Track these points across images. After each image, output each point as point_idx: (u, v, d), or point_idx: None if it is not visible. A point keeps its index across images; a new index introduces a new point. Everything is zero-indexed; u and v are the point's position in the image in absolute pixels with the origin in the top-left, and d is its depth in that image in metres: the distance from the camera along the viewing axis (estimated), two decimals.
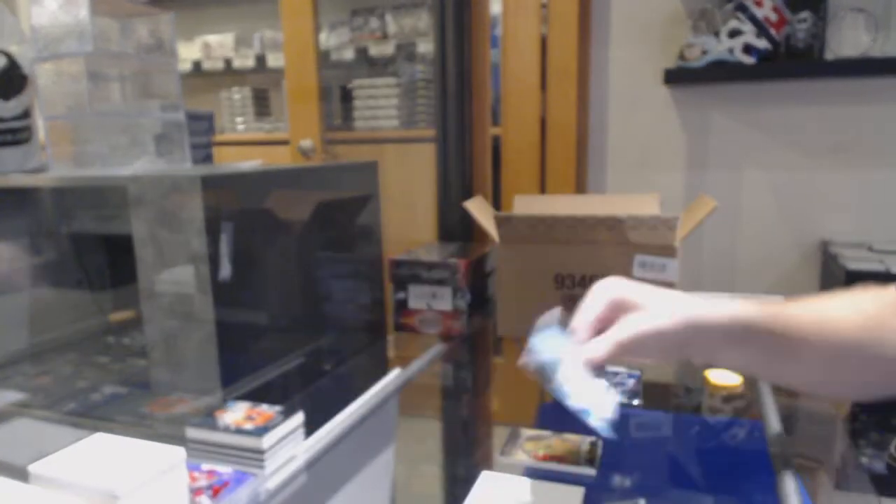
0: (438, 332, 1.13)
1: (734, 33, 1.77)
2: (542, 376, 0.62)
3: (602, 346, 0.60)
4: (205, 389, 0.78)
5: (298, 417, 0.67)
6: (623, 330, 0.60)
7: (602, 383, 0.61)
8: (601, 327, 0.63)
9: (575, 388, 0.59)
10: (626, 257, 0.96)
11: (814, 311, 0.62)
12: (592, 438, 0.77)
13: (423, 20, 2.56)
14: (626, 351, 0.60)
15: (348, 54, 2.60)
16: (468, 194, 1.45)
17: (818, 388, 0.68)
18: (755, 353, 0.62)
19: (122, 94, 0.98)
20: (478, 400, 1.09)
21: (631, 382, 0.93)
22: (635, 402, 0.86)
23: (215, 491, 0.58)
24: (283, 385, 0.90)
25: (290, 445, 0.66)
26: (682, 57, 1.85)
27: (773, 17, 1.73)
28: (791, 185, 1.92)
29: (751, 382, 0.92)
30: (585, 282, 0.99)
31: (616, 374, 0.96)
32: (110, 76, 0.95)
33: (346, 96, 2.61)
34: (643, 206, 1.08)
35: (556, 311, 0.67)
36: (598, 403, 0.58)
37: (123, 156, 0.93)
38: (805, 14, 1.78)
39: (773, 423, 0.78)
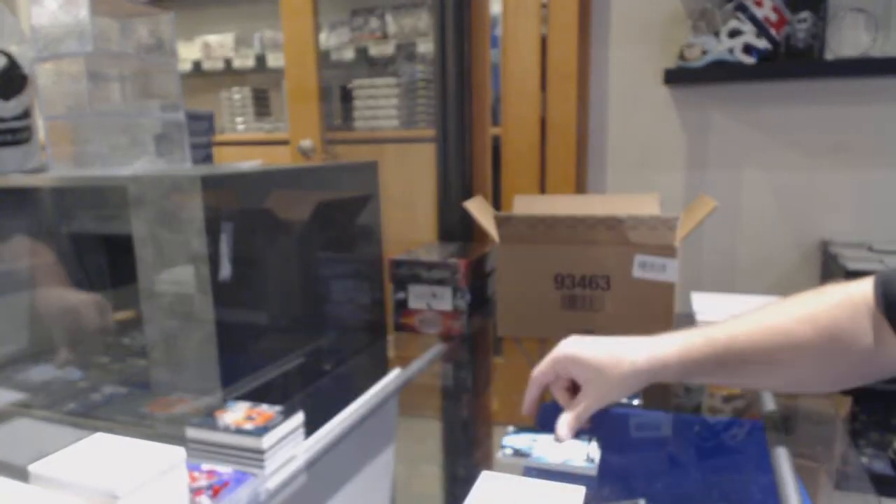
0: (438, 332, 1.13)
1: (734, 33, 1.77)
2: (521, 458, 0.73)
3: (565, 425, 0.71)
4: (205, 389, 0.78)
5: (298, 417, 0.67)
6: (582, 407, 0.71)
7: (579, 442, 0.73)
8: (567, 385, 0.75)
9: (550, 451, 0.72)
10: (625, 257, 0.96)
11: (764, 327, 0.67)
12: (592, 438, 0.77)
13: (423, 20, 2.56)
14: (588, 416, 0.72)
15: (348, 54, 2.60)
16: (468, 194, 1.45)
17: (787, 390, 0.76)
18: (712, 376, 0.70)
19: (122, 94, 0.98)
20: (478, 400, 1.09)
21: None
22: (635, 402, 0.86)
23: (215, 491, 0.58)
24: (283, 385, 0.90)
25: (290, 445, 0.66)
26: (682, 57, 1.85)
27: (773, 17, 1.73)
28: (791, 185, 1.92)
29: None
30: (585, 282, 0.99)
31: None
32: (110, 76, 0.95)
33: (346, 96, 2.61)
34: (643, 206, 1.08)
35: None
36: (573, 455, 0.70)
37: (123, 156, 0.93)
38: (805, 14, 1.78)
39: (773, 423, 0.78)
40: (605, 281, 0.98)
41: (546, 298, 1.00)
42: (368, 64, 2.65)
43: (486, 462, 0.82)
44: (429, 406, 1.03)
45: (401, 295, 1.14)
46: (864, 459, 1.60)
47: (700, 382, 0.74)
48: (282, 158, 2.51)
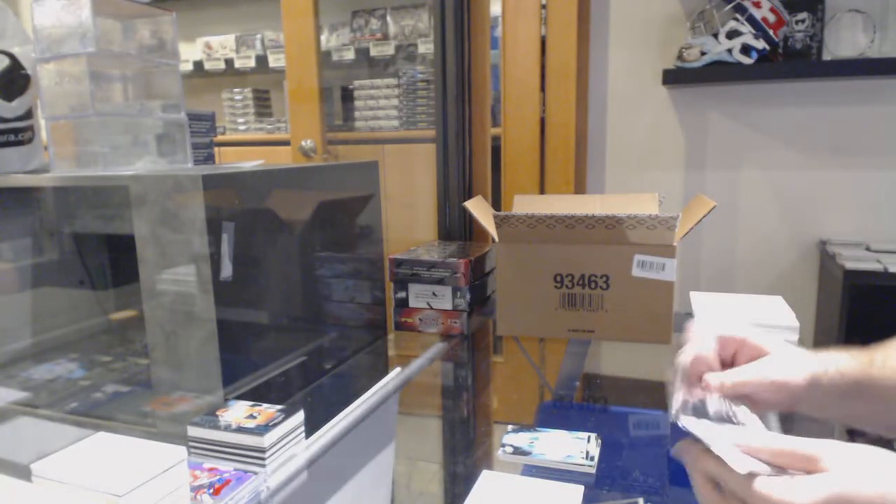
0: (438, 331, 1.14)
1: (732, 34, 1.77)
2: (520, 456, 0.75)
3: (728, 378, 0.59)
4: (206, 388, 0.79)
5: (299, 416, 0.67)
6: (749, 372, 0.59)
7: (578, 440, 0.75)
8: (713, 366, 0.62)
9: (549, 449, 0.74)
10: (625, 257, 0.96)
11: None
12: (592, 436, 0.78)
13: (423, 21, 2.57)
14: (746, 391, 0.59)
15: (349, 55, 2.61)
16: (468, 194, 1.46)
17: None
18: (860, 408, 0.61)
19: (123, 94, 0.98)
20: (477, 399, 1.09)
21: None
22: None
23: (217, 489, 0.59)
24: (284, 384, 0.90)
25: (291, 444, 0.66)
26: (680, 58, 1.85)
27: (772, 17, 1.73)
28: (789, 185, 1.93)
29: None
30: (584, 281, 0.99)
31: None
32: (112, 76, 0.96)
33: (347, 97, 2.62)
34: (642, 205, 1.08)
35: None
36: (573, 453, 0.74)
37: (125, 156, 0.94)
38: (803, 15, 1.78)
39: (772, 422, 0.79)
40: (604, 280, 0.98)
41: (545, 297, 1.01)
42: (369, 64, 2.66)
43: (486, 460, 0.83)
44: (429, 404, 1.03)
45: (401, 294, 1.15)
46: None
47: (841, 417, 0.64)
48: (283, 158, 2.52)
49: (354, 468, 0.73)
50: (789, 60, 1.82)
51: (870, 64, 1.72)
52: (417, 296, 1.13)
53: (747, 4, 1.74)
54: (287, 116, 2.49)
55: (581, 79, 1.99)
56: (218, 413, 0.66)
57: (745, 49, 1.76)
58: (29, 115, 0.99)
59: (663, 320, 0.97)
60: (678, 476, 0.78)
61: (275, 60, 2.83)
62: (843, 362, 0.61)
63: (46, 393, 0.90)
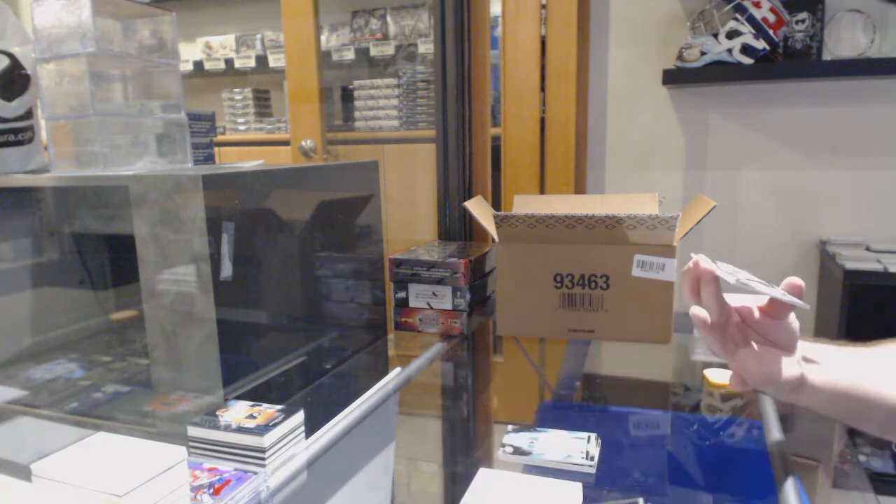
0: (438, 331, 1.14)
1: (732, 34, 1.77)
2: (521, 456, 0.75)
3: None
4: (206, 388, 0.79)
5: (299, 416, 0.67)
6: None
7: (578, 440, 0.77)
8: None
9: (550, 450, 0.75)
10: (625, 256, 0.96)
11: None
12: (592, 436, 0.78)
13: (423, 21, 2.57)
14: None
15: (349, 55, 2.61)
16: (468, 194, 1.46)
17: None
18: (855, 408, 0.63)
19: (123, 94, 0.98)
20: (477, 398, 1.09)
21: None
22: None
23: (217, 489, 0.59)
24: (284, 384, 0.90)
25: (291, 444, 0.66)
26: (680, 58, 1.85)
27: (772, 18, 1.73)
28: (789, 185, 1.93)
29: None
30: (584, 281, 0.99)
31: None
32: (112, 76, 0.96)
33: (347, 97, 2.62)
34: (642, 205, 1.08)
35: None
36: (573, 453, 0.74)
37: (125, 156, 0.94)
38: (803, 15, 1.78)
39: (772, 422, 0.79)
40: (604, 280, 0.98)
41: (545, 297, 1.01)
42: (369, 64, 2.66)
43: (486, 460, 0.83)
44: (429, 404, 1.03)
45: (401, 294, 1.15)
46: (862, 458, 1.61)
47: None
48: (283, 158, 2.52)
49: (354, 468, 0.73)
50: (789, 60, 1.82)
51: (870, 64, 1.72)
52: (417, 296, 1.13)
53: (747, 4, 1.75)
54: (287, 116, 2.49)
55: (581, 78, 1.99)
56: (218, 413, 0.66)
57: (745, 49, 1.76)
58: (29, 115, 0.99)
59: (663, 320, 0.97)
60: (678, 476, 0.78)
61: (275, 60, 2.83)
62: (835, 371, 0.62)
63: (46, 393, 0.90)
